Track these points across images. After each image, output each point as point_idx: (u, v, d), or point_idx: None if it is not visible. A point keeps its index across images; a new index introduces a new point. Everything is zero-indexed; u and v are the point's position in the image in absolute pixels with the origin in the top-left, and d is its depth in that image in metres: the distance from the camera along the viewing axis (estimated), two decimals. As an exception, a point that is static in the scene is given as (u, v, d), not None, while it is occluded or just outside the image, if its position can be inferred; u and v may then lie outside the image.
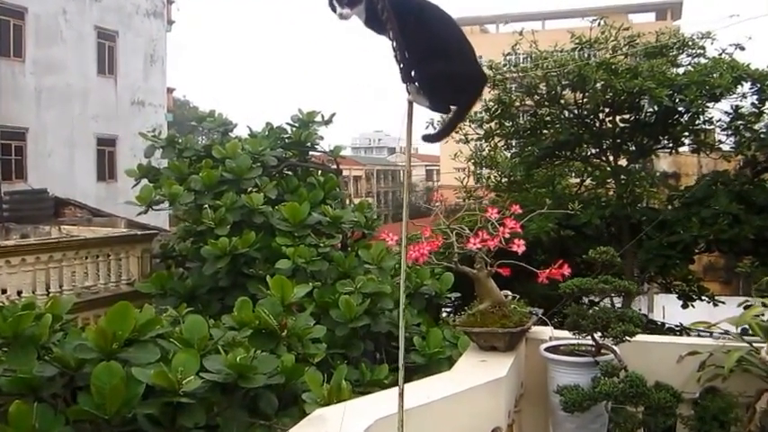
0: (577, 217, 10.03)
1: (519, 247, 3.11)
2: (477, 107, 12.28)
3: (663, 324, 12.34)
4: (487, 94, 12.08)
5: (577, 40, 10.56)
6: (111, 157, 19.37)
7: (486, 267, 3.37)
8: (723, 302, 10.97)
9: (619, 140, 11.34)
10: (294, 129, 8.40)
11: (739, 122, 10.72)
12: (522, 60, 11.16)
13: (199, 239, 7.43)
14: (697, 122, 10.90)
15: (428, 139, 2.93)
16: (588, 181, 12.67)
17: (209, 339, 3.80)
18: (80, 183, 17.91)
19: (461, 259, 3.43)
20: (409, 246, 3.25)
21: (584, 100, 10.71)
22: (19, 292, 7.98)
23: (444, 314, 8.89)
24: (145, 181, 8.03)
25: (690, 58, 10.92)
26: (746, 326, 3.61)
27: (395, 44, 2.54)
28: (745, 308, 4.82)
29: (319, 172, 8.70)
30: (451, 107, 2.70)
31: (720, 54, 10.65)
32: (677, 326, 11.18)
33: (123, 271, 9.24)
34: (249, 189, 7.42)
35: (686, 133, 11.15)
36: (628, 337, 3.16)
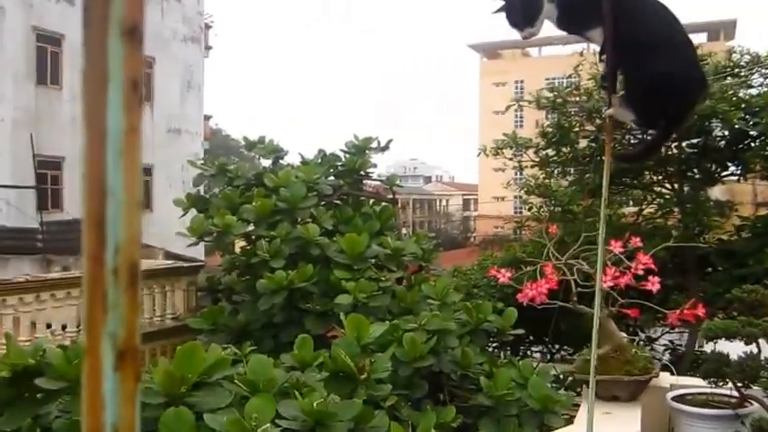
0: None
1: (653, 285, 2.75)
2: (533, 132, 11.97)
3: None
4: (545, 118, 11.72)
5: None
6: (147, 187, 19.02)
7: (607, 307, 3.00)
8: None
9: (684, 167, 10.82)
10: (348, 156, 8.10)
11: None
12: (584, 83, 10.71)
13: (248, 272, 7.13)
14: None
15: (625, 158, 2.61)
16: (647, 210, 12.22)
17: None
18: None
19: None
20: (528, 283, 2.90)
21: (649, 124, 10.21)
22: (63, 327, 7.72)
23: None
24: (194, 211, 7.76)
25: (762, 79, 10.40)
26: None
27: (602, 46, 2.21)
28: None
29: (371, 201, 8.38)
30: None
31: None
32: None
33: (168, 305, 8.91)
34: (304, 219, 7.11)
35: (757, 159, 10.57)
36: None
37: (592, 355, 1.94)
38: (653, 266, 2.79)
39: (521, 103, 12.05)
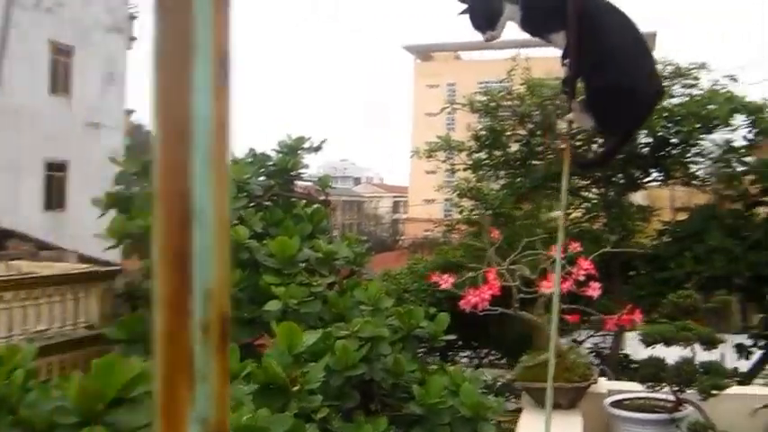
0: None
1: (595, 290, 2.69)
2: (465, 135, 12.01)
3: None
4: (477, 122, 11.77)
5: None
6: (61, 184, 17.75)
7: (547, 313, 2.92)
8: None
9: (609, 172, 11.02)
10: (279, 155, 7.84)
11: (732, 155, 10.57)
12: (518, 87, 10.81)
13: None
14: (688, 155, 10.70)
15: (584, 165, 2.55)
16: (574, 214, 12.41)
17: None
18: (24, 211, 16.25)
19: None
20: (471, 289, 2.79)
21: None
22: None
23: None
24: (113, 212, 7.34)
25: (684, 89, 10.71)
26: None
27: (565, 50, 2.18)
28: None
29: (302, 203, 8.14)
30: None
31: (713, 85, 10.45)
32: None
33: (81, 312, 8.29)
34: (232, 221, 6.83)
35: (677, 166, 10.89)
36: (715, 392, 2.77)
37: (550, 362, 1.86)
38: (594, 272, 2.75)
39: (454, 106, 12.07)
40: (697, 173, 11.21)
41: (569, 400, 2.87)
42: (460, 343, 12.10)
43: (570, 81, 2.15)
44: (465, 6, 2.22)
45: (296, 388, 3.58)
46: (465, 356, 13.39)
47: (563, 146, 2.07)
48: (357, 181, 70.61)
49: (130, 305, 7.85)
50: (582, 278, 2.76)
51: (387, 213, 59.49)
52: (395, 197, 60.52)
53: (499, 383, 9.88)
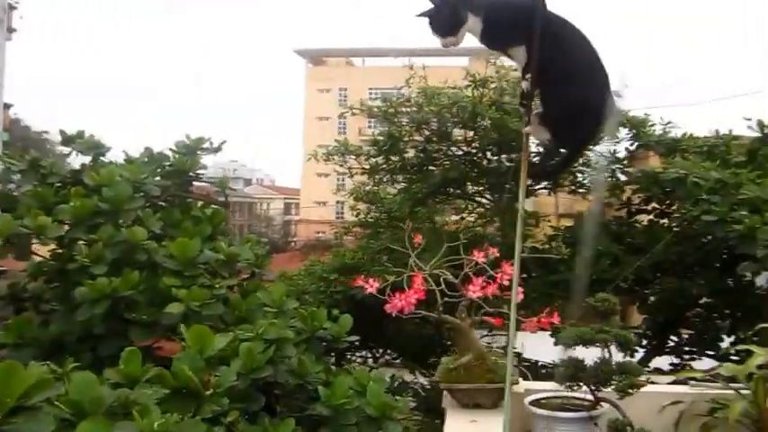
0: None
1: (518, 294, 2.76)
2: (356, 139, 12.16)
3: (536, 362, 12.45)
4: (370, 127, 11.91)
5: (471, 78, 10.52)
6: None
7: (470, 316, 2.98)
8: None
9: (502, 179, 11.38)
10: (177, 156, 7.62)
11: (616, 166, 11.14)
12: (415, 95, 11.00)
13: (60, 278, 6.46)
14: (576, 165, 11.09)
15: (539, 174, 2.61)
16: (468, 218, 12.74)
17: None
18: None
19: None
20: (397, 294, 2.82)
21: (475, 138, 10.71)
22: None
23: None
24: (-2, 210, 6.93)
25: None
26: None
27: (525, 65, 2.21)
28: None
29: (200, 204, 7.94)
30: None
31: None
32: (550, 364, 11.28)
33: None
34: (129, 222, 6.56)
35: (566, 174, 11.33)
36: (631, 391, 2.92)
37: (508, 364, 1.87)
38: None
39: (353, 110, 12.15)
40: (583, 181, 11.71)
41: (492, 400, 2.97)
42: (357, 343, 12.18)
43: (530, 95, 2.23)
44: (426, 8, 2.25)
45: (208, 392, 3.50)
46: (360, 356, 13.50)
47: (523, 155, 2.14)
48: (248, 182, 69.75)
49: (15, 308, 7.41)
50: (506, 282, 2.84)
51: (278, 215, 59.05)
52: (286, 199, 60.22)
53: (398, 383, 10.02)
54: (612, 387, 3.06)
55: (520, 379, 3.41)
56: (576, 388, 3.10)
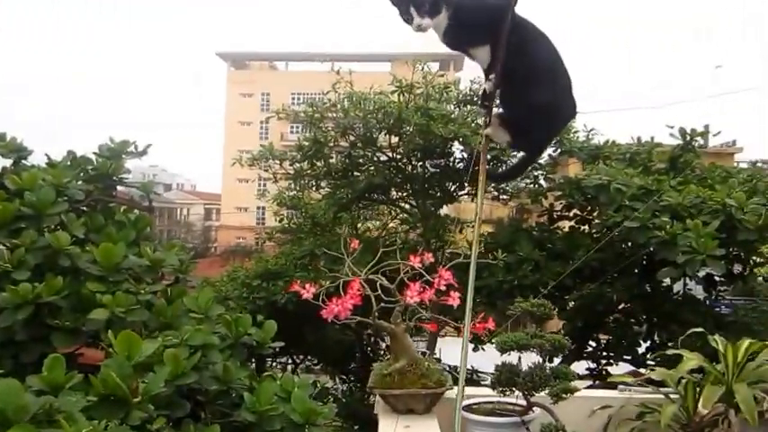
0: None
1: (454, 300, 2.87)
2: (279, 144, 12.15)
3: (456, 368, 12.63)
4: (292, 132, 11.91)
5: (398, 83, 10.57)
6: None
7: (405, 322, 3.08)
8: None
9: (426, 185, 11.56)
10: (101, 159, 7.49)
11: (538, 172, 11.43)
12: (341, 100, 11.01)
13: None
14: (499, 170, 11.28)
15: (496, 177, 2.63)
16: (392, 224, 12.88)
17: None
18: None
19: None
20: (334, 299, 2.89)
21: (399, 143, 10.80)
22: None
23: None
24: None
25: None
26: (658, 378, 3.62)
27: (488, 66, 2.21)
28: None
29: (122, 209, 7.83)
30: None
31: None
32: (468, 370, 11.40)
33: None
34: (52, 227, 6.43)
35: (488, 180, 11.46)
36: (565, 395, 3.04)
37: (461, 369, 1.98)
38: (453, 282, 2.94)
39: (279, 115, 12.11)
40: (506, 187, 11.94)
41: (425, 405, 3.05)
42: (277, 349, 12.15)
43: (492, 96, 2.24)
44: None
45: (137, 399, 3.51)
46: (281, 362, 13.48)
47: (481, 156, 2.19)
48: (168, 187, 68.26)
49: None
50: (443, 287, 2.93)
51: (198, 220, 58.00)
52: (206, 204, 59.21)
53: (317, 389, 10.03)
54: (546, 392, 3.18)
55: (452, 384, 3.50)
56: (508, 393, 3.23)
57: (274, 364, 12.75)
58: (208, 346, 5.85)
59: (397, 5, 2.33)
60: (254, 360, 10.65)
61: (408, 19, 2.22)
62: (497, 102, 2.47)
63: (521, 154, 2.91)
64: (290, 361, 13.83)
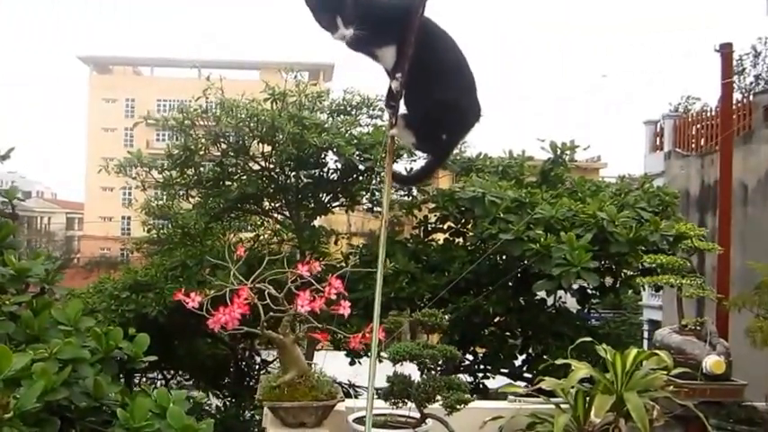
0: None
1: (345, 309, 2.88)
2: (144, 151, 11.64)
3: (334, 380, 12.50)
4: (158, 139, 11.52)
5: (270, 91, 10.39)
6: None
7: (293, 332, 3.06)
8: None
9: (300, 196, 11.44)
10: (-43, 164, 7.00)
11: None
12: (212, 107, 10.70)
13: None
14: (373, 182, 11.24)
15: (403, 181, 2.58)
16: (264, 236, 12.66)
17: None
18: None
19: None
20: (221, 308, 2.84)
21: (273, 152, 10.57)
22: None
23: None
24: None
25: (370, 119, 11.50)
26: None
27: (397, 65, 2.16)
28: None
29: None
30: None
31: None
32: (344, 384, 11.18)
33: None
34: None
35: (362, 192, 11.47)
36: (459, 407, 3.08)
37: (369, 381, 1.99)
38: (344, 291, 2.93)
39: (148, 121, 11.69)
40: (380, 199, 11.93)
41: (316, 418, 3.01)
42: (147, 364, 11.68)
43: (399, 96, 2.21)
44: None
45: (8, 415, 3.30)
46: (151, 378, 12.97)
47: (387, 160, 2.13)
48: (27, 195, 64.33)
49: None
50: (333, 296, 2.92)
51: (60, 230, 54.99)
52: (68, 213, 56.23)
53: (190, 405, 9.73)
54: (440, 403, 3.21)
55: (343, 397, 3.50)
56: (401, 405, 3.25)
57: (143, 379, 12.22)
58: (78, 360, 5.57)
59: (319, 16, 2.29)
60: (122, 375, 10.22)
61: (332, 29, 2.20)
62: (402, 103, 2.48)
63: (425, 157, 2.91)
64: (159, 376, 13.32)
